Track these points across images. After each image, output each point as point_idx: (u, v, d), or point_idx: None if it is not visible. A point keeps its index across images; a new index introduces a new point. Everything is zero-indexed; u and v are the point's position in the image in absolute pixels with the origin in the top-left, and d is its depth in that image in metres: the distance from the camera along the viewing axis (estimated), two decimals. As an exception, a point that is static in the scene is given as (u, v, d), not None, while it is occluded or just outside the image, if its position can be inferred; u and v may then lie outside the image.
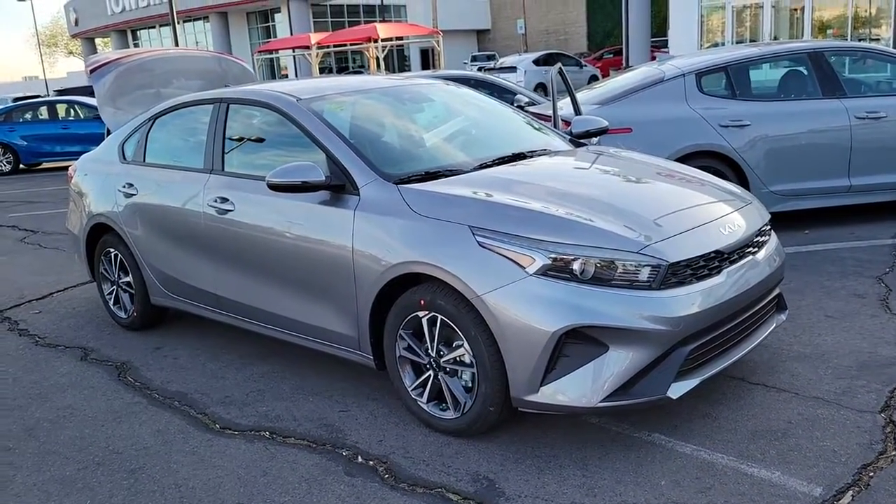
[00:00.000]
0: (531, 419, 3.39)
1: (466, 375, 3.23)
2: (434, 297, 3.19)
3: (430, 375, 3.34)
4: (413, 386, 3.42)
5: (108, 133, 5.58)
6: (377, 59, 26.72)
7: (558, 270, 2.94)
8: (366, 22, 40.61)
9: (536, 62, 28.40)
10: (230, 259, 4.13)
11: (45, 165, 18.00)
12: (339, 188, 3.58)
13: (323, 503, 2.93)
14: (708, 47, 24.88)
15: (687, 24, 25.94)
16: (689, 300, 2.99)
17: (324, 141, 3.72)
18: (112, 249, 5.06)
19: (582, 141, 4.54)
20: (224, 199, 4.10)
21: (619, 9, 43.01)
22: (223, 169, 4.24)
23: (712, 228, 3.22)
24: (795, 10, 24.31)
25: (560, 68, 5.44)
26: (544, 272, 2.95)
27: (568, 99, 5.65)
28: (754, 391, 3.53)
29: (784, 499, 2.70)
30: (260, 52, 33.07)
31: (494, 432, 3.31)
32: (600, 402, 2.93)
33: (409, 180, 3.53)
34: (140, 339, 4.99)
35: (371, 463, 3.19)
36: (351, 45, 28.97)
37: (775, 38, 24.39)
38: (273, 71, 41.98)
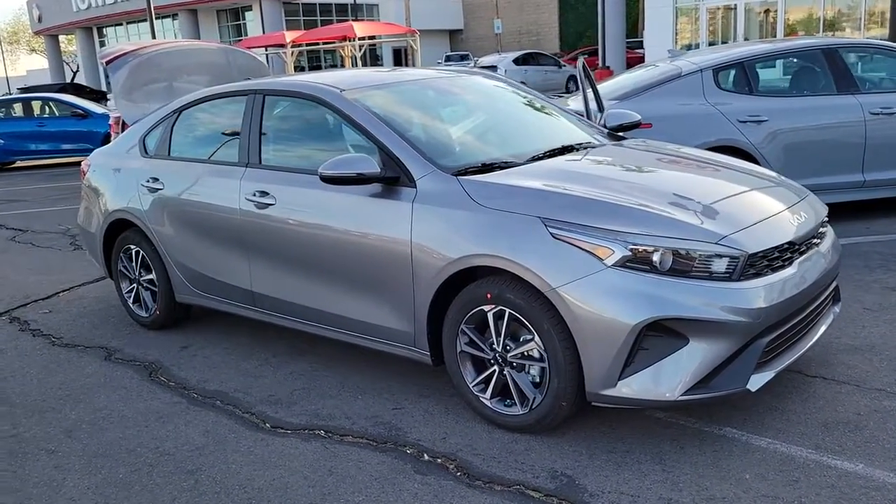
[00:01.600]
0: (596, 414, 3.34)
1: (535, 370, 3.17)
2: (502, 291, 3.12)
3: (494, 371, 3.27)
4: (475, 382, 3.35)
5: (121, 128, 5.44)
6: (353, 58, 26.55)
7: (637, 262, 2.90)
8: (338, 21, 40.36)
9: (516, 62, 28.45)
10: (269, 254, 4.02)
11: (19, 164, 17.56)
12: (393, 180, 3.50)
13: (400, 501, 2.85)
14: (681, 48, 25.16)
15: (661, 25, 26.19)
16: (767, 291, 2.96)
17: (375, 133, 3.64)
18: (133, 246, 4.91)
19: (619, 134, 4.51)
20: (263, 193, 4.00)
21: (591, 10, 43.34)
22: (260, 162, 4.13)
23: (783, 220, 3.20)
24: (768, 11, 24.67)
25: (584, 62, 5.41)
26: (623, 264, 2.90)
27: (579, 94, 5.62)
28: (815, 384, 3.51)
29: (875, 490, 2.68)
30: (233, 50, 32.63)
31: (561, 428, 3.26)
32: (681, 395, 2.89)
33: (465, 172, 3.46)
34: (164, 338, 4.85)
35: (439, 461, 3.11)
36: (324, 43, 28.74)
37: (746, 40, 24.73)
38: (244, 69, 41.44)
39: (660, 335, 2.88)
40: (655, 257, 2.89)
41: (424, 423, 3.43)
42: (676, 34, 26.45)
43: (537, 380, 3.17)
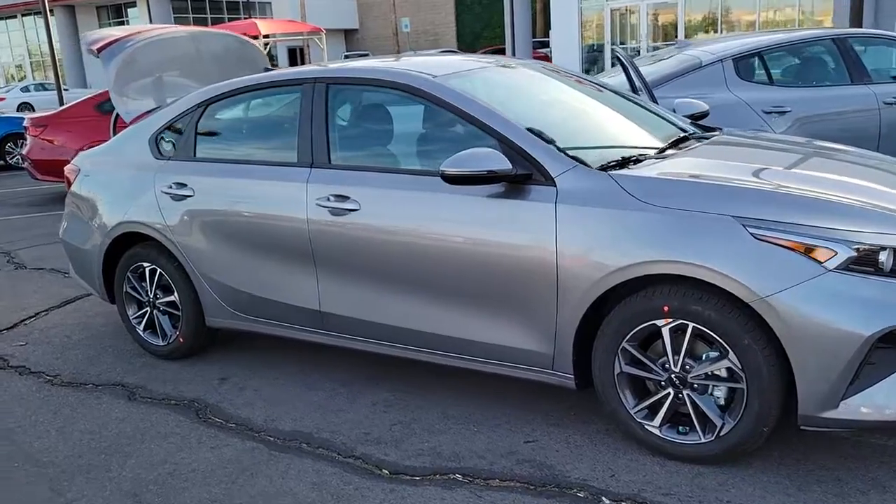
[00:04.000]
0: (772, 440, 2.97)
1: (720, 391, 2.77)
2: (685, 303, 2.70)
3: (668, 394, 2.85)
4: (638, 408, 2.92)
5: (114, 127, 4.69)
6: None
7: (862, 264, 2.54)
8: (230, 19, 38.84)
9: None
10: (348, 269, 3.45)
11: None
12: (523, 178, 3.02)
13: (617, 562, 2.39)
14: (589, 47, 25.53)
15: (568, 25, 26.45)
16: None
17: (494, 124, 3.14)
18: (146, 264, 4.19)
19: (701, 124, 4.18)
20: (341, 197, 3.42)
21: (487, 10, 43.52)
22: (330, 161, 3.55)
23: None
24: (671, 13, 25.30)
25: (621, 53, 5.10)
26: (846, 266, 2.54)
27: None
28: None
29: None
30: (122, 49, 30.75)
31: (743, 458, 2.87)
32: (916, 414, 2.55)
33: (606, 167, 3.03)
34: (189, 370, 4.16)
35: (626, 504, 2.67)
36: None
37: (653, 41, 25.36)
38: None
39: (889, 347, 2.54)
40: (882, 257, 2.54)
41: (576, 458, 2.97)
42: (582, 34, 26.79)
43: (722, 402, 2.78)
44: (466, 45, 43.36)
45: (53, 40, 18.74)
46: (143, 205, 4.10)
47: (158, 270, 4.15)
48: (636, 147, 3.34)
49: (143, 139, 4.25)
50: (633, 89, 4.95)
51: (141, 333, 4.35)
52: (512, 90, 3.62)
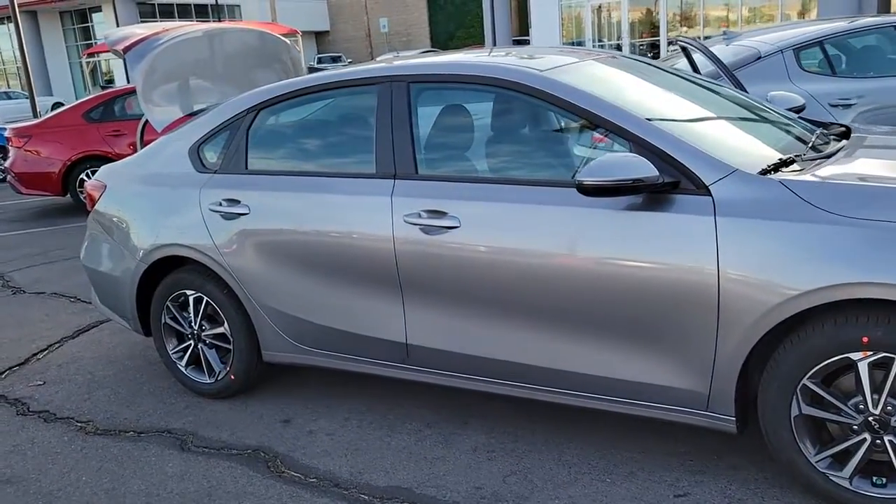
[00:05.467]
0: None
1: (926, 436, 2.34)
2: (889, 332, 2.27)
3: (863, 440, 2.41)
4: (821, 456, 2.47)
5: (141, 138, 4.17)
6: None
7: None
8: (199, 20, 37.94)
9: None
10: (447, 295, 2.98)
11: None
12: (670, 187, 2.57)
13: None
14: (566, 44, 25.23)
15: (549, 22, 26.14)
16: None
17: (628, 125, 2.69)
18: (189, 291, 3.67)
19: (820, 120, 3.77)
20: (437, 213, 2.94)
21: (460, 10, 43.12)
22: (417, 171, 3.07)
23: None
24: (651, 11, 25.09)
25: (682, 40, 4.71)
26: None
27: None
28: None
29: None
30: (90, 53, 29.89)
31: (947, 506, 2.44)
32: None
33: (766, 172, 2.59)
34: (244, 411, 3.65)
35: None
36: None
37: (631, 36, 25.15)
38: (96, 75, 38.35)
39: None
40: None
41: (745, 515, 2.53)
42: (563, 32, 26.49)
43: (927, 448, 2.35)
44: (440, 44, 42.94)
45: (16, 47, 17.93)
46: (186, 224, 3.58)
47: (205, 299, 3.63)
48: (781, 148, 2.90)
49: (183, 150, 3.73)
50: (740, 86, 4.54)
51: (183, 370, 3.83)
52: (621, 85, 3.16)
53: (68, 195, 9.66)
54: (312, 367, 3.50)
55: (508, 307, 2.86)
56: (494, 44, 26.53)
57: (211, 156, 3.65)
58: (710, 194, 2.52)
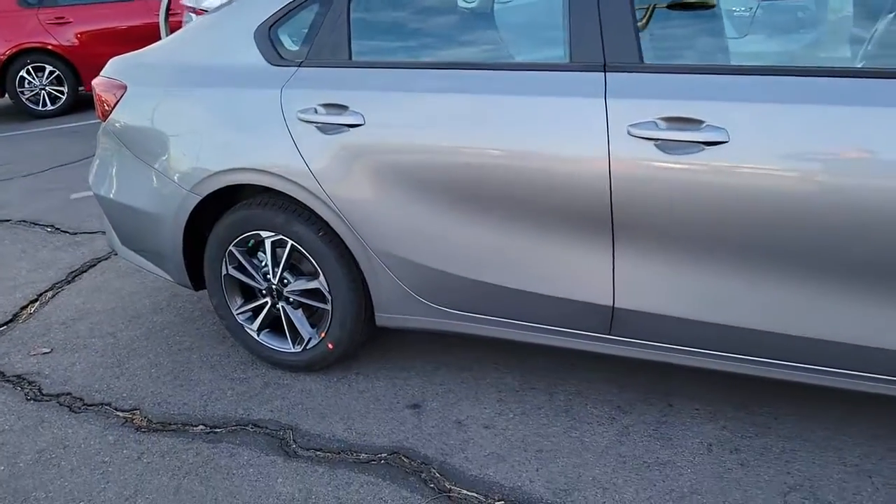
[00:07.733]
0: None
1: None
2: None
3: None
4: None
5: (166, 17, 3.03)
6: None
7: None
8: None
9: None
10: (689, 241, 2.07)
11: None
12: None
13: None
14: None
15: None
16: None
17: None
18: (266, 233, 2.66)
19: None
20: (689, 122, 1.99)
21: None
22: (642, 61, 2.09)
23: None
24: None
25: None
26: None
27: None
28: None
29: None
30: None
31: None
32: None
33: None
34: (350, 390, 2.73)
35: None
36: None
37: None
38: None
39: None
40: None
41: None
42: None
43: None
44: None
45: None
46: (261, 140, 2.53)
47: (289, 243, 2.63)
48: None
49: (244, 32, 2.64)
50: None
51: (255, 335, 2.85)
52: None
53: (6, 95, 8.24)
54: (449, 334, 2.57)
55: (802, 261, 1.96)
56: None
57: (291, 41, 2.58)
58: None
